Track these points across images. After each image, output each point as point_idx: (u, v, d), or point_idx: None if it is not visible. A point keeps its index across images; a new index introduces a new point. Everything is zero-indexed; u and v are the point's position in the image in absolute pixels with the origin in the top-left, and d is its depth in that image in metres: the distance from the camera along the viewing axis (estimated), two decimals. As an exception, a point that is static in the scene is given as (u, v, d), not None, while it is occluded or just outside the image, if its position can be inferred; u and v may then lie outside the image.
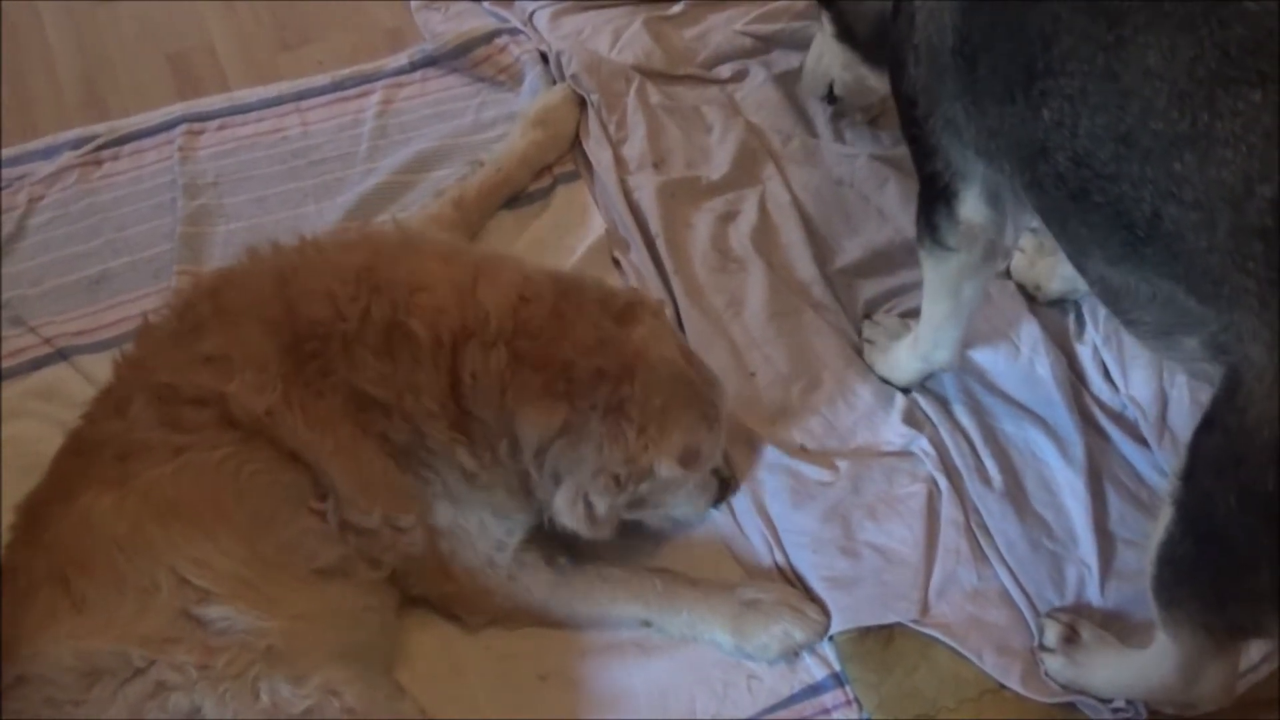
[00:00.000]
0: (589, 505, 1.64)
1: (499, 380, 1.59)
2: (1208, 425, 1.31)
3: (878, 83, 1.99)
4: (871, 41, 1.93)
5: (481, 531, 1.71)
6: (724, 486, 1.83)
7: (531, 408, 1.59)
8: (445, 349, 1.60)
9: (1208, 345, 1.31)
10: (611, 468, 1.61)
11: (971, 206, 1.62)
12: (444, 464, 1.65)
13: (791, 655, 1.72)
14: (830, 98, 2.28)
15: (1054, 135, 1.33)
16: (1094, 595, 1.75)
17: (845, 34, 2.03)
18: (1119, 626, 1.71)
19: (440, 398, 1.60)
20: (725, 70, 2.49)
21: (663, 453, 1.62)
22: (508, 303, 1.62)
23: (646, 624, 1.74)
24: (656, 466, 1.63)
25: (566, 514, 1.65)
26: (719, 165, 2.29)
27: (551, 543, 1.77)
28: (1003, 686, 1.67)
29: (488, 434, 1.62)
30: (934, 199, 1.66)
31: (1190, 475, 1.33)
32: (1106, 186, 1.30)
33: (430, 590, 1.74)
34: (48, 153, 2.37)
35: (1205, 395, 1.83)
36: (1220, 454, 1.29)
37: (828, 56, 2.18)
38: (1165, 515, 1.38)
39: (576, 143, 2.36)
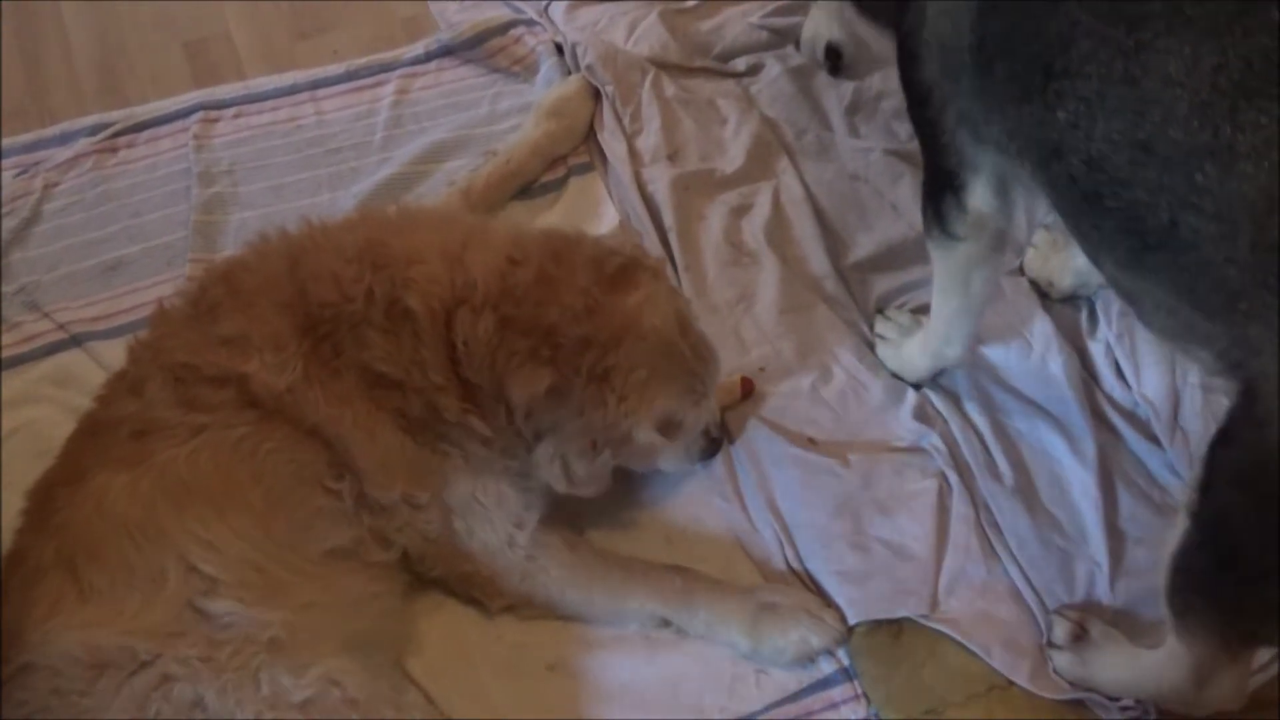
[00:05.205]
0: (566, 465, 1.67)
1: (488, 345, 1.60)
2: (1225, 439, 1.30)
3: (878, 46, 1.92)
4: None
5: (500, 505, 1.71)
6: (713, 444, 1.83)
7: (519, 372, 1.60)
8: (440, 320, 1.61)
9: (1219, 359, 1.30)
10: (590, 433, 1.64)
11: (979, 196, 1.61)
12: (462, 433, 1.66)
13: (807, 660, 1.71)
14: (832, 64, 2.08)
15: (1068, 137, 1.31)
16: (1103, 593, 1.75)
17: None
18: (1128, 624, 1.70)
19: (443, 370, 1.62)
20: (741, 63, 2.48)
21: (641, 420, 1.64)
22: (495, 267, 1.63)
23: (665, 623, 1.74)
24: (635, 433, 1.65)
25: (545, 469, 1.68)
26: (733, 158, 2.29)
27: (572, 531, 1.78)
28: (1011, 683, 1.67)
29: (488, 400, 1.64)
30: (941, 189, 1.65)
31: (1208, 488, 1.32)
32: (1120, 191, 1.28)
33: (448, 571, 1.74)
34: (64, 139, 2.38)
35: (1218, 396, 1.83)
36: (1239, 469, 1.28)
37: (824, 18, 2.03)
38: (1181, 525, 1.37)
39: (591, 134, 2.37)
